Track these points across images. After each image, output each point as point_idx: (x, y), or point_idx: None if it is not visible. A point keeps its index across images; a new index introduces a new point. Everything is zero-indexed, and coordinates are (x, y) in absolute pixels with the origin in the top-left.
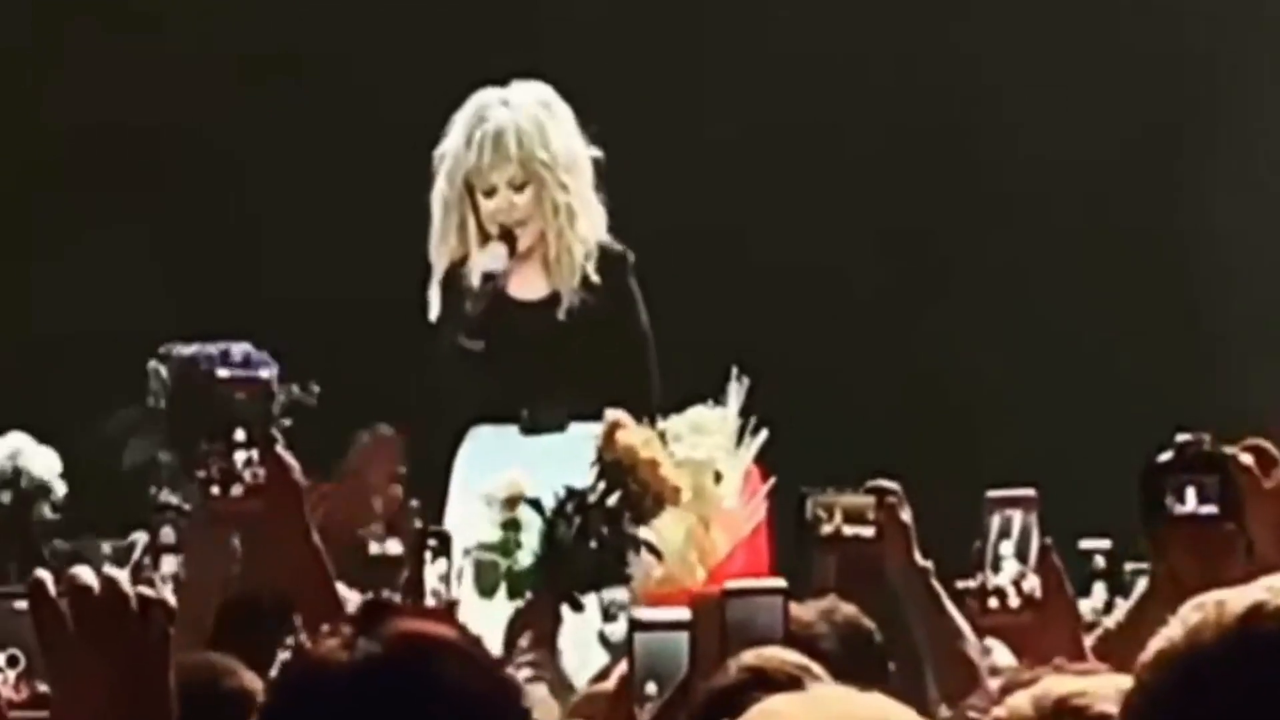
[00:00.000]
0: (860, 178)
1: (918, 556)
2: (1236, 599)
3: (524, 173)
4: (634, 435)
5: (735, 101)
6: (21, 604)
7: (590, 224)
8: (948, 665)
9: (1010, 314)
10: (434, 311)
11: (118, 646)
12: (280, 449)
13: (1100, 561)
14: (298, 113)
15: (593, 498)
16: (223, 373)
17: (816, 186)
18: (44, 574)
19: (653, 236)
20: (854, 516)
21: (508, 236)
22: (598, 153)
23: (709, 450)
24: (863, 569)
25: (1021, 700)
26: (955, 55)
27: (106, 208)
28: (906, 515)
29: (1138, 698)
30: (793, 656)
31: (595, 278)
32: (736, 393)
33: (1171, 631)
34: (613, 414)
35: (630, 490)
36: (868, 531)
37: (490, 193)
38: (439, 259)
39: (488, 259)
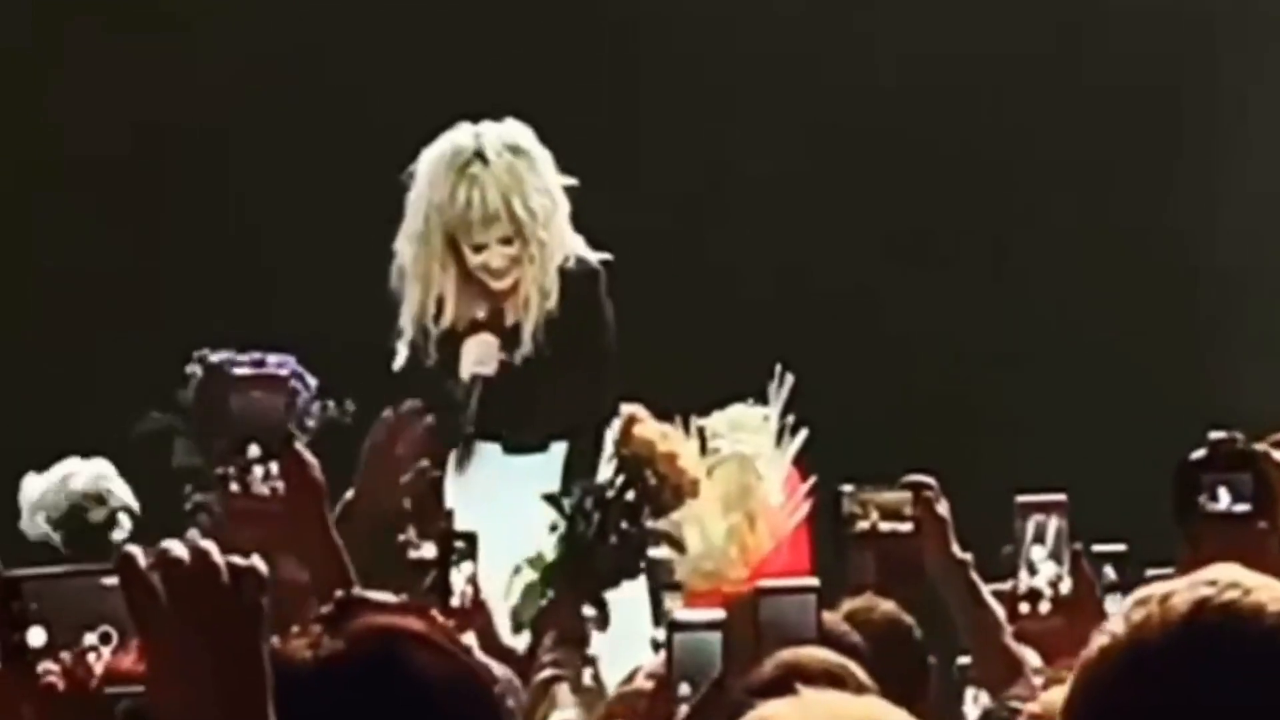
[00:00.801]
0: (874, 180)
1: (956, 549)
2: (1181, 594)
3: (513, 227)
4: (651, 429)
5: (736, 106)
6: (110, 580)
7: (560, 257)
8: (990, 656)
9: (1022, 313)
10: (399, 361)
11: (211, 616)
12: (300, 446)
13: (1110, 572)
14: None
15: (610, 493)
16: (241, 371)
17: (830, 194)
18: (134, 549)
19: (689, 242)
20: (890, 513)
21: (494, 322)
22: (573, 181)
23: (753, 447)
24: (901, 564)
25: (1053, 698)
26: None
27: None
28: (943, 509)
29: (1080, 693)
30: (829, 655)
31: (561, 311)
32: (778, 392)
33: (1115, 627)
34: (629, 408)
35: (648, 484)
36: (905, 527)
37: (480, 248)
38: (412, 302)
39: (476, 358)
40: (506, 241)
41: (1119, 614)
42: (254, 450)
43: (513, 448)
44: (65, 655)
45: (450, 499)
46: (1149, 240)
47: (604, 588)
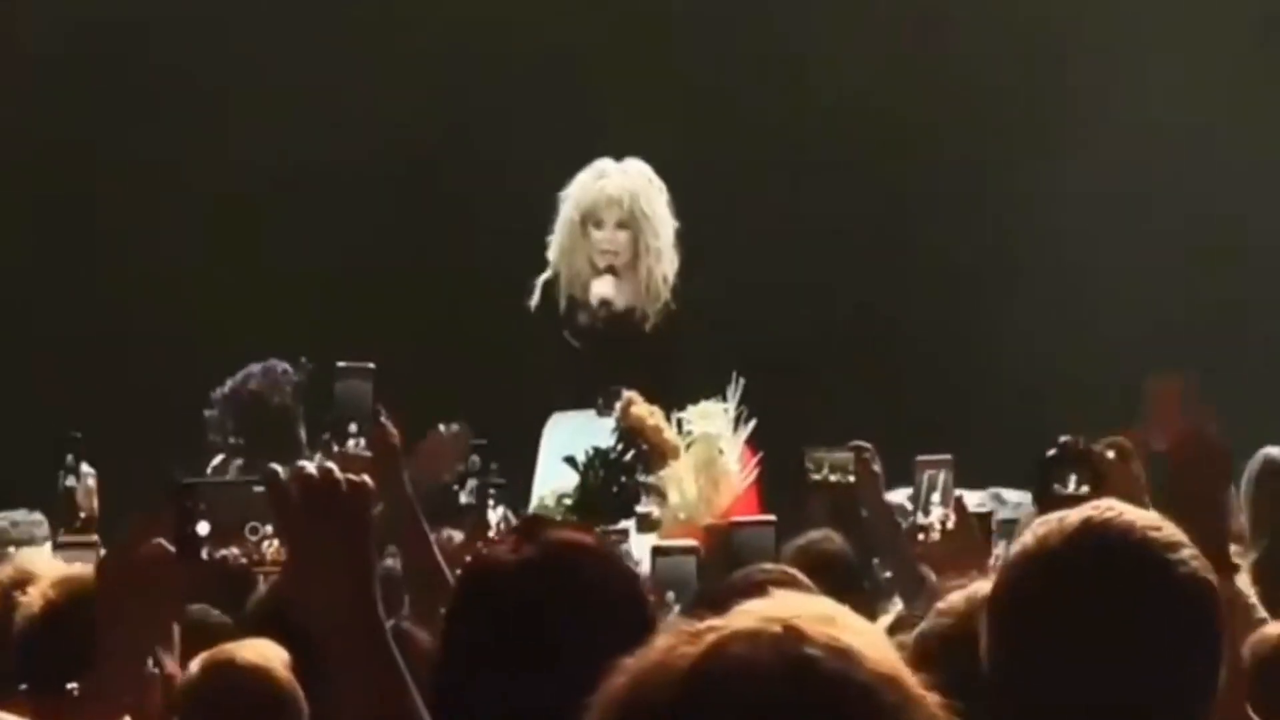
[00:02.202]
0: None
1: (885, 497)
2: (1074, 515)
3: (628, 216)
4: (643, 408)
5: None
6: (259, 488)
7: (670, 266)
8: (905, 575)
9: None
10: (534, 299)
11: (332, 516)
12: (384, 420)
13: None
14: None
15: (613, 455)
16: (341, 364)
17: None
18: (275, 466)
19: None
20: (838, 468)
21: (613, 271)
22: (677, 224)
23: (716, 430)
24: (844, 506)
25: (957, 598)
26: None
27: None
28: (877, 466)
29: (1002, 589)
30: (782, 568)
31: (674, 306)
32: (734, 392)
33: (1026, 539)
34: (627, 393)
35: (641, 448)
36: (849, 479)
37: (600, 225)
38: (562, 264)
39: (603, 286)
40: (622, 226)
41: (1029, 530)
42: (352, 426)
43: (603, 411)
44: (223, 545)
45: (550, 451)
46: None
47: (608, 522)
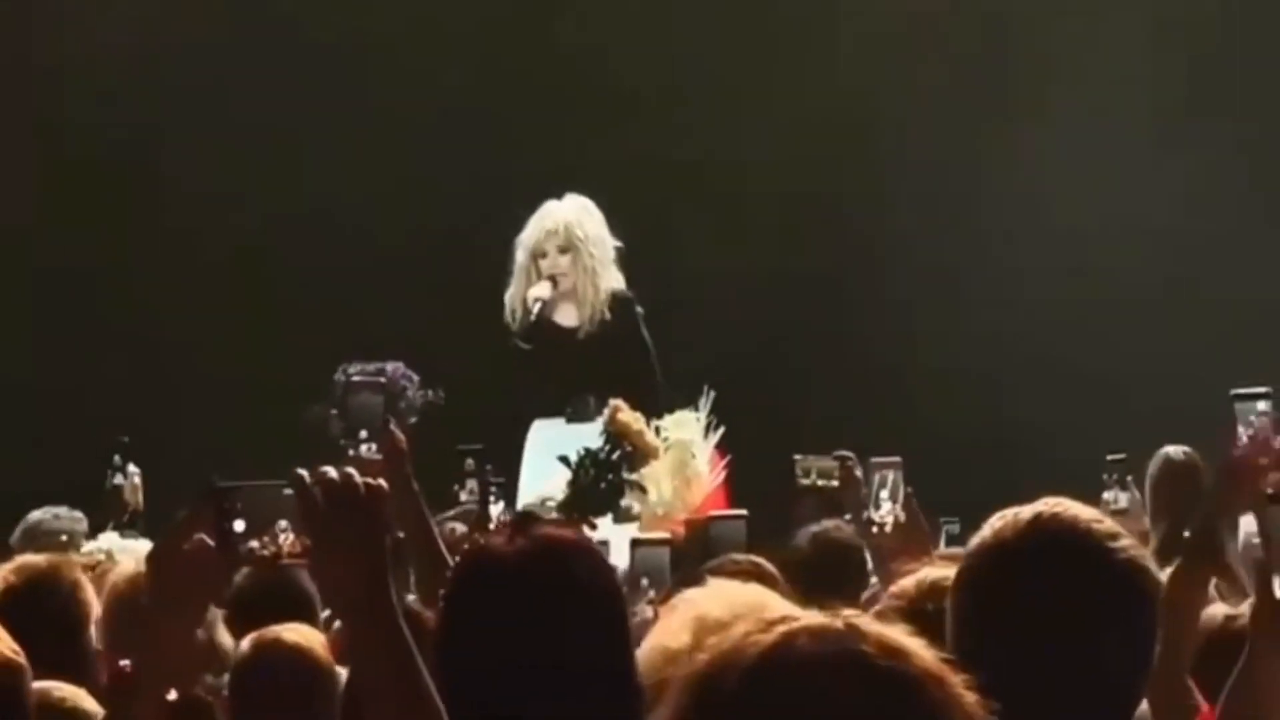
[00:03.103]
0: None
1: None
2: (1026, 510)
3: (566, 242)
4: (628, 414)
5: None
6: (288, 490)
7: (608, 281)
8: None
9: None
10: (515, 329)
11: (352, 514)
12: (393, 428)
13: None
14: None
15: (602, 455)
16: (356, 377)
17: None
18: (301, 470)
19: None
20: (824, 473)
21: (551, 279)
22: (618, 243)
23: (689, 437)
24: (830, 507)
25: (908, 582)
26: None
27: None
28: (860, 473)
29: (963, 579)
30: (751, 557)
31: (609, 315)
32: (705, 402)
33: (984, 533)
34: (614, 401)
35: (625, 449)
36: (834, 483)
37: (544, 254)
38: (514, 299)
39: (537, 290)
40: (562, 251)
41: (987, 525)
42: (363, 434)
43: (571, 418)
44: (257, 540)
45: (533, 450)
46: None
47: (596, 514)
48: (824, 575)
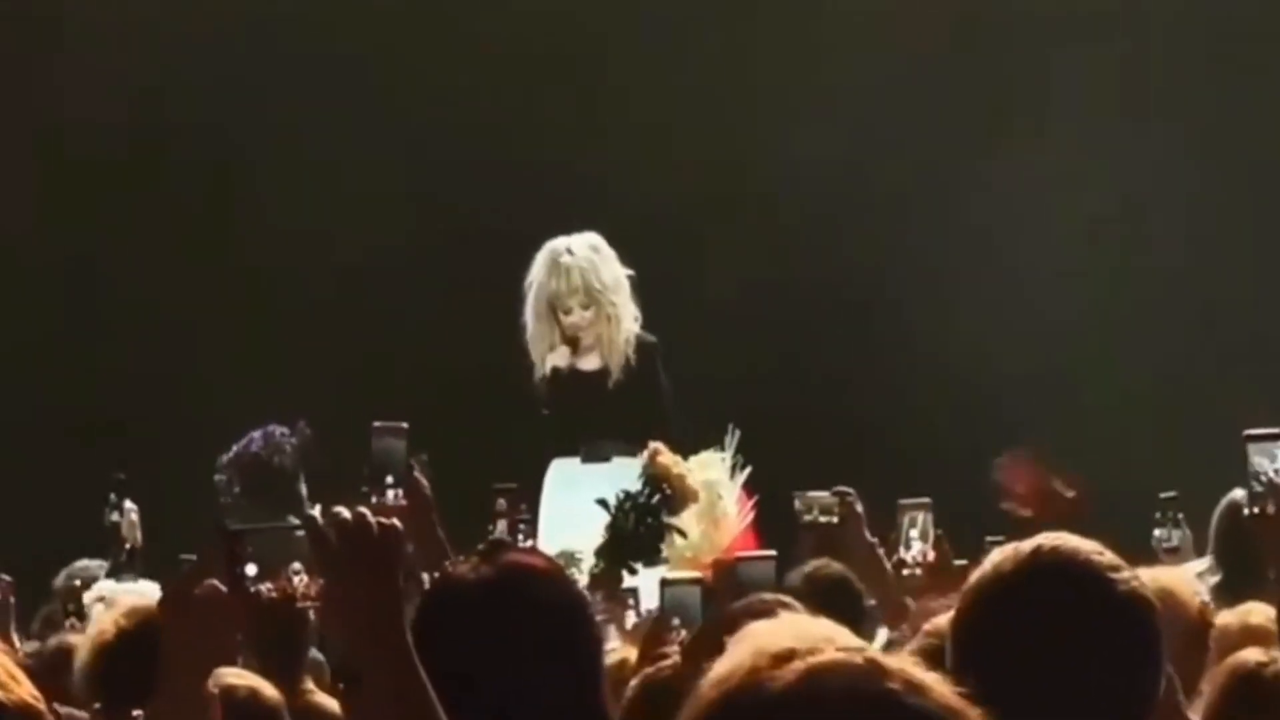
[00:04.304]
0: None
1: (867, 534)
2: (1026, 544)
3: (588, 298)
4: (668, 457)
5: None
6: (301, 533)
7: (628, 323)
8: (887, 604)
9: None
10: (540, 381)
11: (366, 553)
12: (417, 473)
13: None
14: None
15: (642, 499)
16: (378, 424)
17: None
18: (314, 511)
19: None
20: (825, 509)
21: (572, 343)
22: (630, 272)
23: (716, 477)
24: (831, 544)
25: (942, 620)
26: None
27: None
28: (860, 508)
29: (963, 613)
30: (780, 596)
31: (633, 361)
32: (731, 442)
33: (984, 567)
34: (654, 445)
35: (666, 493)
36: (834, 519)
37: (568, 311)
38: (536, 351)
39: (556, 357)
40: (585, 307)
41: (987, 559)
42: (389, 479)
43: (587, 459)
44: (270, 583)
45: (551, 488)
46: None
47: (636, 559)
48: (824, 613)
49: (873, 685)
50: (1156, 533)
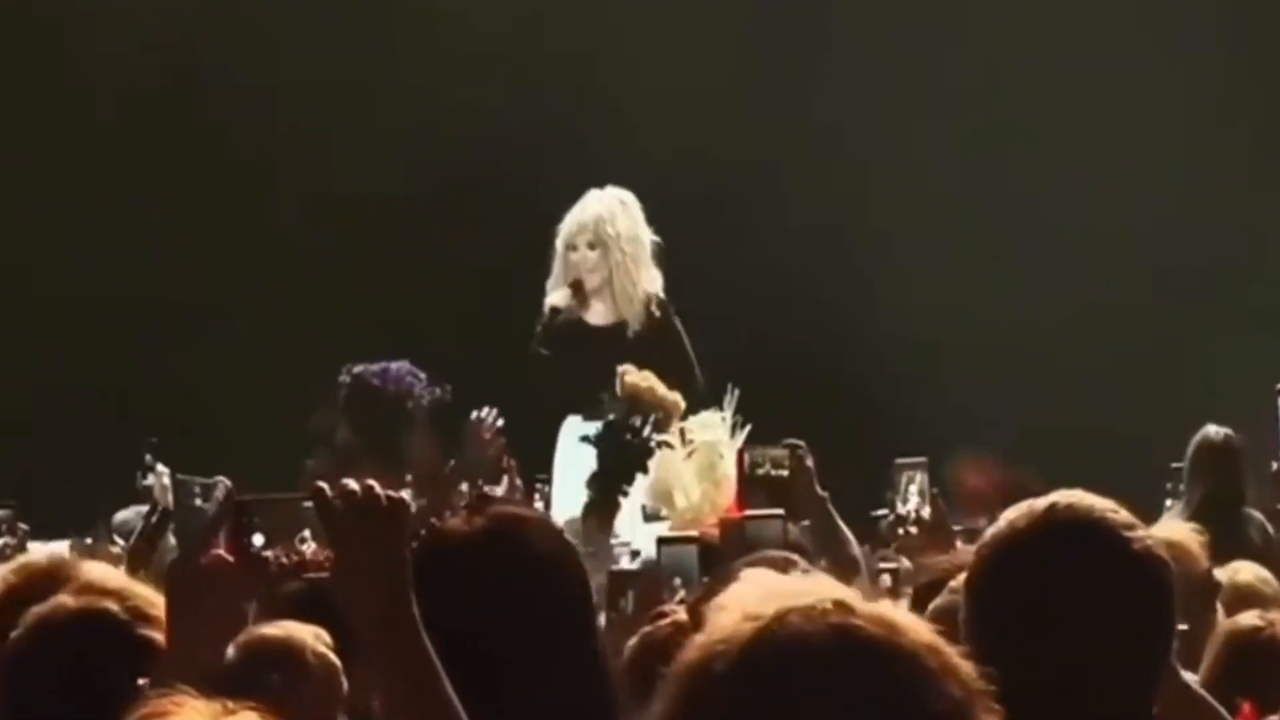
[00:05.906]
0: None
1: (818, 488)
2: (1041, 501)
3: (595, 238)
4: (636, 375)
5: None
6: (308, 503)
7: (646, 279)
8: (837, 560)
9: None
10: (537, 333)
11: (373, 527)
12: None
13: None
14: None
15: (622, 424)
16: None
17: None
18: (322, 483)
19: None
20: (777, 463)
21: (577, 287)
22: (655, 237)
23: (715, 438)
24: (782, 497)
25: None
26: None
27: None
28: (809, 461)
29: (977, 571)
30: (783, 552)
31: (656, 313)
32: (730, 402)
33: (999, 524)
34: (620, 368)
35: (647, 411)
36: (785, 472)
37: (574, 249)
38: (552, 291)
39: (554, 297)
40: (591, 247)
41: (1002, 516)
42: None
43: (589, 416)
44: (277, 552)
45: (567, 440)
46: None
47: (627, 480)
48: None
49: (840, 622)
50: (1168, 503)
